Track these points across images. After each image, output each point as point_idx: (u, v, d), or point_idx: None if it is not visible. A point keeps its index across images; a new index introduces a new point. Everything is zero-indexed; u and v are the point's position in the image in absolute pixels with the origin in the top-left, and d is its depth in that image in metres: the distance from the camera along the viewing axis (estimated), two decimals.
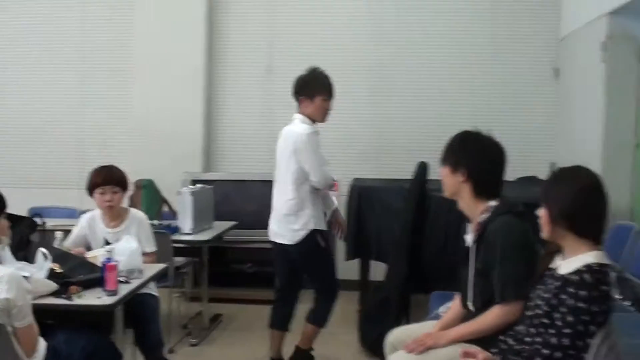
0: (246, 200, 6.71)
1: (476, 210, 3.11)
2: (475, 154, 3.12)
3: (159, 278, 4.63)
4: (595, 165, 5.24)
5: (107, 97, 7.44)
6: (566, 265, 2.61)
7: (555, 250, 2.72)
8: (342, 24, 7.14)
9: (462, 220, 4.77)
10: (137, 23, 7.19)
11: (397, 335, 3.41)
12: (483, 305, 3.04)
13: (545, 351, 2.51)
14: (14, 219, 3.73)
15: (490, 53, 6.95)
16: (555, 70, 6.75)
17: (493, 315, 2.96)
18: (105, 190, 4.39)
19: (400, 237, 5.24)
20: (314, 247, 4.70)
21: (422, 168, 5.31)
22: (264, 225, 6.48)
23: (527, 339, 2.64)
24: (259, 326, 5.87)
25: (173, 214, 5.88)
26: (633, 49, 5.11)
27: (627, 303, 4.20)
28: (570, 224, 2.60)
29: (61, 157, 7.45)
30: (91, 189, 4.44)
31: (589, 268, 2.52)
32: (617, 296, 4.34)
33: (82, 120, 7.46)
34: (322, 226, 4.74)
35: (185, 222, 5.49)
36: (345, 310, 5.81)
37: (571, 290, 2.50)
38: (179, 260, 5.64)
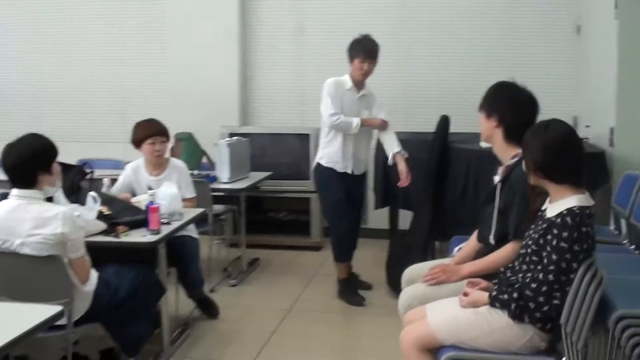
0: (281, 152, 7.05)
1: (506, 155, 3.41)
2: (507, 102, 3.39)
3: (199, 223, 5.08)
4: (610, 118, 5.50)
5: (146, 54, 7.76)
6: (551, 208, 2.91)
7: (545, 192, 3.01)
8: None
9: (480, 170, 5.10)
10: None
11: (413, 270, 3.77)
12: (500, 240, 3.36)
13: (533, 285, 2.82)
14: (65, 167, 4.12)
15: (515, 10, 7.07)
16: (577, 27, 6.86)
17: (505, 252, 3.27)
18: (155, 140, 4.82)
19: (424, 187, 5.57)
20: (315, 178, 5.64)
21: (444, 121, 5.61)
22: (299, 176, 6.88)
23: (520, 274, 2.96)
24: (294, 269, 6.34)
25: (212, 165, 6.21)
26: None
27: (632, 247, 4.49)
28: (544, 174, 2.89)
29: (105, 113, 7.82)
30: (140, 140, 4.85)
31: (570, 211, 2.80)
32: (623, 241, 4.64)
33: (123, 77, 7.81)
34: (328, 164, 5.41)
35: (223, 172, 5.86)
36: (376, 256, 6.17)
37: (555, 231, 2.80)
38: (219, 208, 6.03)
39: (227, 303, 5.28)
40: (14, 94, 8.03)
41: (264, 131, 7.17)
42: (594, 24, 6.28)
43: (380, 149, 6.03)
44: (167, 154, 5.11)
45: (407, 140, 5.62)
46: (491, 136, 3.44)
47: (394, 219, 6.50)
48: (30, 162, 3.39)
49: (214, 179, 5.86)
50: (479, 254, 3.51)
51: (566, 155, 2.88)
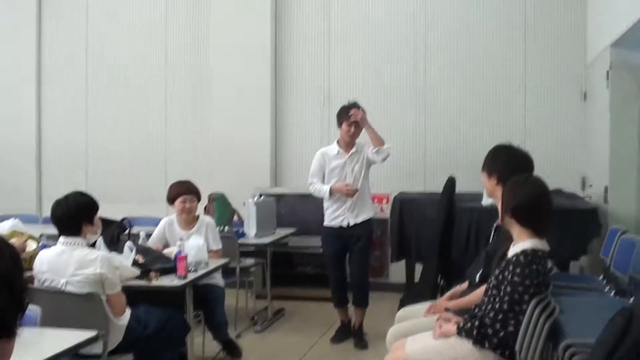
0: (308, 211, 7.50)
1: None
2: (504, 162, 3.89)
3: (228, 275, 5.64)
4: (605, 177, 5.98)
5: (187, 123, 8.57)
6: (512, 250, 3.41)
7: (511, 238, 3.51)
8: (388, 58, 8.07)
9: (480, 226, 5.60)
10: (212, 58, 8.33)
11: (405, 311, 4.32)
12: (482, 280, 3.83)
13: (491, 314, 3.32)
14: (107, 222, 4.77)
15: (523, 78, 7.65)
16: (583, 93, 7.37)
17: (481, 292, 3.70)
18: (186, 199, 5.45)
19: (432, 241, 6.08)
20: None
21: (451, 182, 6.14)
22: None
23: (483, 306, 3.45)
24: (317, 319, 6.81)
25: (242, 223, 6.80)
26: (634, 77, 5.75)
27: (612, 294, 4.92)
28: (512, 215, 3.39)
29: (149, 177, 8.58)
30: (173, 198, 5.49)
31: (524, 252, 3.32)
32: (606, 289, 5.07)
33: (166, 143, 8.62)
34: (326, 223, 6.03)
35: (250, 228, 6.46)
36: (393, 308, 6.62)
37: (510, 268, 3.31)
38: (248, 262, 6.60)
39: (251, 347, 5.80)
40: (70, 159, 8.88)
41: (292, 191, 7.78)
42: (594, 92, 6.80)
43: (395, 205, 6.57)
44: (200, 212, 5.73)
45: (418, 199, 6.15)
46: (493, 193, 3.93)
47: (410, 272, 6.98)
48: (76, 214, 4.03)
49: (242, 235, 6.45)
50: (464, 294, 4.01)
51: (535, 207, 3.39)
